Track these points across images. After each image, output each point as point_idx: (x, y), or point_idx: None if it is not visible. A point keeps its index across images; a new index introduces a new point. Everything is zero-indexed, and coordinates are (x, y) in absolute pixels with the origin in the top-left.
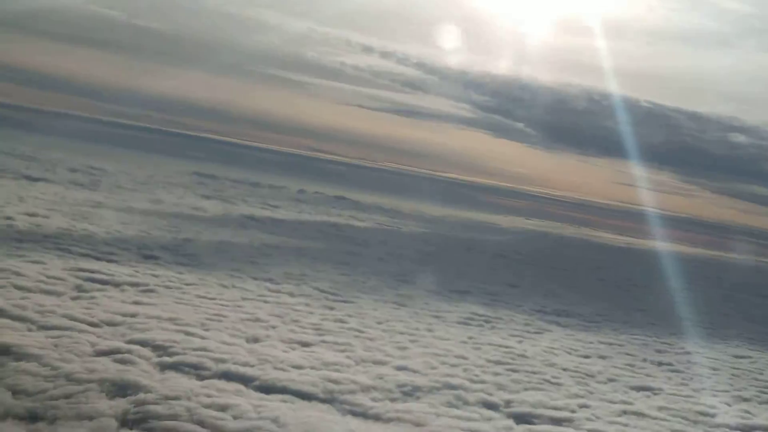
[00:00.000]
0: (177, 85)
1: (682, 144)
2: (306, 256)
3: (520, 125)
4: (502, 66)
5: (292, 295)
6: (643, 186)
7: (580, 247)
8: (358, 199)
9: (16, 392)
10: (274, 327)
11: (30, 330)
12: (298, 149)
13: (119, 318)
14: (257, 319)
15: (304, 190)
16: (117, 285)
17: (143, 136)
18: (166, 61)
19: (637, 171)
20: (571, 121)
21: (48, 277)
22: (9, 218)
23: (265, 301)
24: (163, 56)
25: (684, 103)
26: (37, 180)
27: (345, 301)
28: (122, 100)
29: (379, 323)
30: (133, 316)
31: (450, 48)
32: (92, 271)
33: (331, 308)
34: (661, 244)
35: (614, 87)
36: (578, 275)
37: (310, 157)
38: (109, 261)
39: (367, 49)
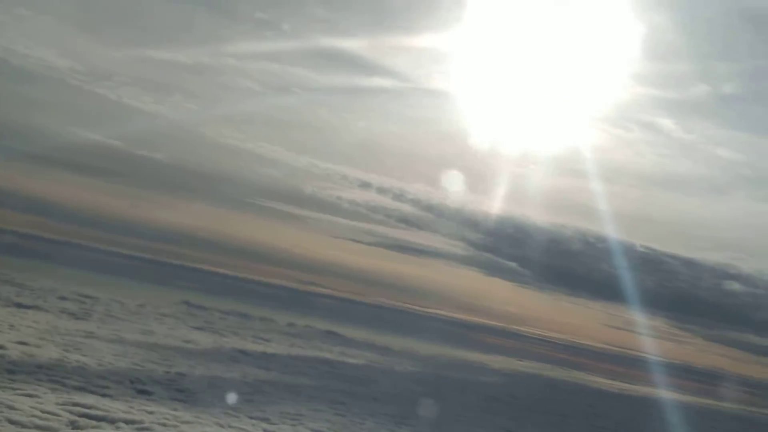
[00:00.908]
0: (172, 214)
1: (677, 290)
2: (301, 395)
3: (513, 264)
4: (497, 205)
5: None
6: (635, 331)
7: (573, 392)
8: (349, 334)
9: None
10: None
11: None
12: (288, 282)
13: None
14: None
15: (294, 324)
16: (112, 422)
17: (135, 265)
18: (163, 191)
19: (630, 315)
20: (565, 263)
21: (42, 411)
22: (1, 347)
23: None
24: (161, 186)
25: (678, 249)
26: (28, 308)
27: None
28: (116, 228)
29: None
30: None
31: (446, 186)
32: (87, 407)
33: None
34: (654, 390)
35: (609, 230)
36: (573, 421)
37: (301, 291)
38: (103, 395)
39: (365, 185)
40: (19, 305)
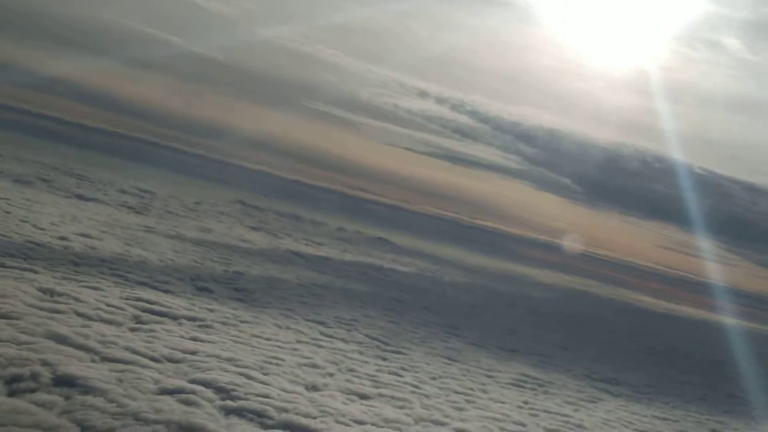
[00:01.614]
0: (228, 114)
1: (732, 213)
2: (354, 300)
3: (567, 181)
4: (555, 120)
5: (345, 341)
6: (686, 252)
7: (621, 310)
8: (399, 241)
9: (84, 428)
10: (331, 375)
11: (93, 361)
12: (340, 186)
13: (179, 354)
14: (314, 365)
15: (345, 228)
16: (175, 318)
17: (191, 162)
18: (220, 91)
19: (682, 236)
20: (620, 181)
21: (107, 305)
22: (64, 238)
23: (320, 346)
24: (218, 85)
25: (738, 172)
26: (88, 200)
27: (397, 352)
28: (172, 124)
29: (434, 379)
30: (193, 353)
31: (506, 99)
32: (150, 302)
33: (384, 359)
34: (702, 312)
35: (668, 150)
36: (623, 340)
37: (352, 196)
38: (165, 291)
39: (423, 94)
40: (80, 197)
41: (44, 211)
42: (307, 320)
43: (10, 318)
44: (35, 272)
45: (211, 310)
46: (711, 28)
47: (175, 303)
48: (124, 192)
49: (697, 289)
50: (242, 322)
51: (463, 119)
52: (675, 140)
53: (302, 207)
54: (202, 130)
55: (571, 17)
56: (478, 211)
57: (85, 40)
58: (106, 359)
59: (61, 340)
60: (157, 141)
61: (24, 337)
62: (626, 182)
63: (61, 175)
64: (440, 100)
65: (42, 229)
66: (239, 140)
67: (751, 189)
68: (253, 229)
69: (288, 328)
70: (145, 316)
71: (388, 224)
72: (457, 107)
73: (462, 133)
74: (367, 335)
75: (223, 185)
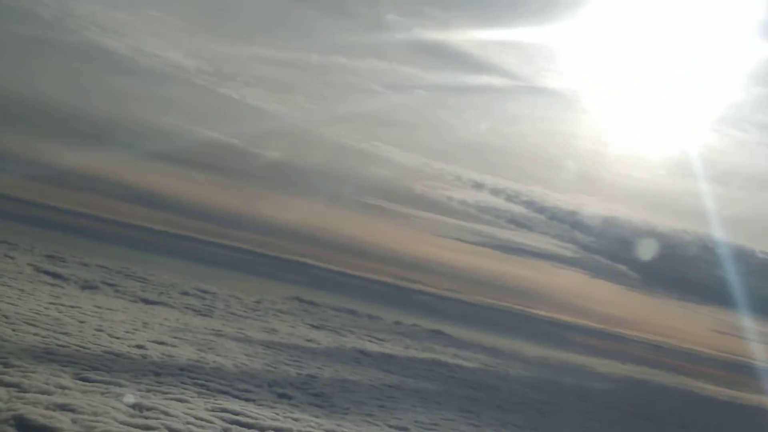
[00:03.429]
0: (284, 211)
1: None
2: (428, 401)
3: (623, 268)
4: (611, 208)
5: None
6: (745, 337)
7: (687, 400)
8: (456, 334)
9: None
10: None
11: None
12: (391, 278)
13: None
14: None
15: (401, 322)
16: (262, 430)
17: (245, 258)
18: (276, 188)
19: (741, 322)
20: (678, 267)
21: (196, 418)
22: (141, 347)
23: None
24: (274, 183)
25: None
26: (154, 303)
27: None
28: (225, 221)
29: None
30: None
31: (562, 188)
32: (235, 413)
33: None
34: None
35: (723, 234)
36: None
37: (404, 288)
38: (247, 400)
39: (478, 186)
40: (146, 300)
41: (116, 319)
42: (390, 426)
43: None
44: (120, 386)
45: (295, 420)
46: (759, 109)
47: (260, 413)
48: (186, 294)
49: (759, 375)
50: (327, 431)
51: (518, 209)
52: (729, 223)
53: (357, 300)
54: (256, 227)
55: (617, 103)
56: (532, 300)
57: (138, 141)
58: None
59: None
60: (210, 239)
61: None
62: (682, 268)
63: (124, 278)
64: (495, 192)
65: (118, 338)
66: (291, 235)
67: None
68: (315, 327)
69: None
70: (234, 428)
71: (443, 316)
72: (512, 198)
73: (516, 223)
74: None
75: (279, 281)
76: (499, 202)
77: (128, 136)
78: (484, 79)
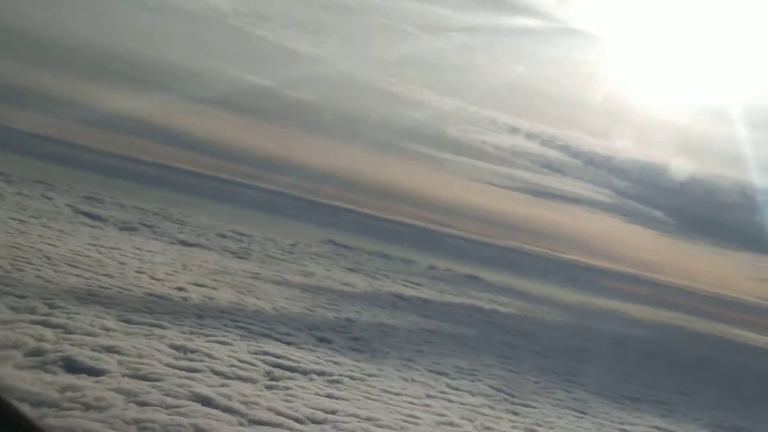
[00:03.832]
0: (318, 154)
1: None
2: (467, 346)
3: (659, 213)
4: (649, 153)
5: (472, 394)
6: None
7: (726, 348)
8: (491, 279)
9: None
10: None
11: (242, 425)
12: (425, 223)
13: (321, 414)
14: (451, 423)
15: (435, 266)
16: (305, 373)
17: (279, 201)
18: (311, 131)
19: None
20: (714, 213)
21: (239, 360)
22: (181, 289)
23: (450, 401)
24: (310, 126)
25: None
26: (192, 245)
27: (526, 405)
28: (259, 163)
29: None
30: (333, 412)
31: (599, 133)
32: (277, 356)
33: (516, 413)
34: None
35: (766, 182)
36: (741, 382)
37: (437, 232)
38: (288, 343)
39: (513, 130)
40: (184, 243)
41: (156, 261)
42: (430, 371)
43: (153, 380)
44: (163, 328)
45: (336, 363)
46: None
47: (301, 356)
48: (223, 236)
49: None
50: (369, 375)
51: (553, 154)
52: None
53: (390, 244)
54: (291, 170)
55: (656, 47)
56: (566, 245)
57: (176, 82)
58: (253, 422)
59: (207, 402)
60: (247, 182)
61: (171, 401)
62: (719, 214)
63: (162, 220)
64: (530, 136)
65: (159, 279)
66: (326, 178)
67: None
68: (350, 270)
69: (414, 381)
70: (277, 371)
71: (477, 261)
72: (547, 142)
73: (551, 167)
74: (491, 386)
75: (313, 224)
76: (533, 147)
77: (163, 77)
78: (519, 21)
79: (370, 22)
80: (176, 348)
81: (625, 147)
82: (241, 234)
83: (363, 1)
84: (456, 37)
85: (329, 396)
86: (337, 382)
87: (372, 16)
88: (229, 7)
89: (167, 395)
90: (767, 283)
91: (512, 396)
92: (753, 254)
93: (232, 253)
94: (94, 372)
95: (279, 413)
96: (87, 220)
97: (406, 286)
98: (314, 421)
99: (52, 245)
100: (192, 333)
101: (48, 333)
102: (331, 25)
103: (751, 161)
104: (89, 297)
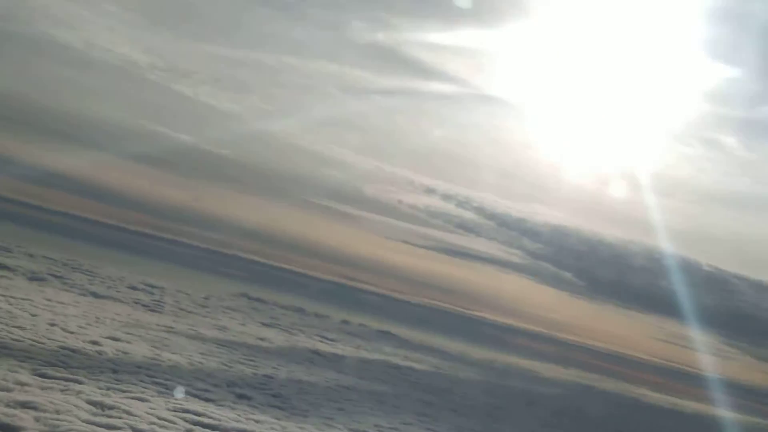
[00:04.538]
0: (233, 208)
1: (735, 309)
2: (385, 404)
3: (568, 275)
4: (560, 216)
5: None
6: (684, 345)
7: (631, 407)
8: (404, 335)
9: None
10: None
11: None
12: (339, 278)
13: None
14: None
15: (349, 321)
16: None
17: (194, 254)
18: (227, 187)
19: (680, 330)
20: (623, 276)
21: (159, 418)
22: (96, 343)
23: None
24: (226, 182)
25: (745, 269)
26: (103, 297)
27: None
28: (174, 217)
29: None
30: None
31: (513, 196)
32: (197, 413)
33: None
34: (705, 407)
35: (672, 247)
36: None
37: (350, 287)
38: (207, 400)
39: (430, 191)
40: (95, 294)
41: (68, 312)
42: (351, 430)
43: None
44: (80, 383)
45: (257, 422)
46: (707, 126)
47: (221, 414)
48: (135, 288)
49: (697, 383)
50: None
51: (468, 215)
52: (674, 235)
53: (304, 299)
54: (205, 223)
55: (568, 113)
56: (477, 303)
57: (89, 134)
58: None
59: None
60: (159, 234)
61: None
62: (626, 277)
63: (72, 271)
64: (446, 197)
65: (72, 332)
66: (240, 232)
67: (760, 286)
68: (265, 325)
69: None
70: (197, 429)
71: (390, 316)
72: (463, 204)
73: (465, 228)
74: None
75: (227, 277)
76: (449, 208)
77: (77, 129)
78: (436, 86)
79: (290, 81)
80: (94, 404)
81: (537, 210)
82: (153, 286)
83: (284, 60)
84: (376, 100)
85: None
86: None
87: (292, 76)
88: (147, 61)
89: None
90: (669, 344)
91: None
92: (656, 316)
93: (145, 305)
94: (9, 429)
95: None
96: None
97: (321, 341)
98: None
99: None
100: (109, 389)
101: None
102: (251, 83)
103: (656, 227)
104: (2, 350)
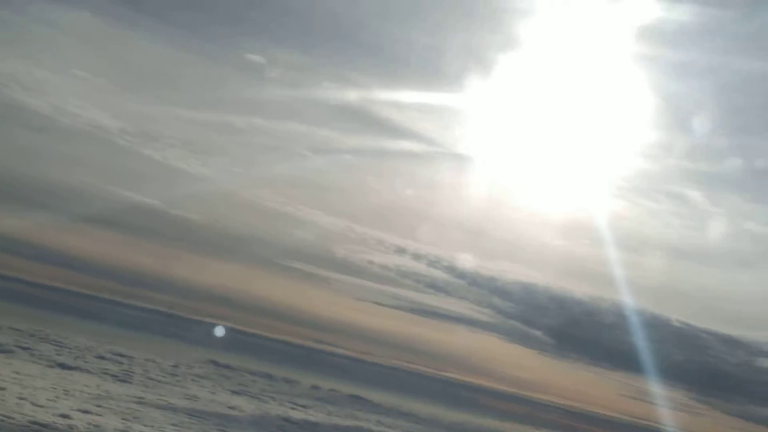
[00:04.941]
0: (200, 272)
1: (705, 365)
2: None
3: (538, 333)
4: (530, 275)
5: None
6: (650, 401)
7: None
8: (376, 399)
9: None
10: None
11: None
12: (308, 341)
13: None
14: None
15: (319, 387)
16: None
17: (160, 320)
18: (195, 250)
19: (649, 387)
20: (592, 333)
21: None
22: (66, 416)
23: None
24: (194, 245)
25: (714, 324)
26: (71, 368)
27: None
28: (139, 283)
29: None
30: None
31: (483, 254)
32: None
33: None
34: None
35: (644, 303)
36: None
37: (320, 350)
38: None
39: (400, 250)
40: (63, 365)
41: (37, 385)
42: None
43: None
44: None
45: None
46: (672, 180)
47: None
48: (103, 358)
49: None
50: None
51: (439, 274)
52: (646, 292)
53: (273, 364)
54: (171, 289)
55: (535, 170)
56: (448, 363)
57: (54, 200)
58: None
59: None
60: (126, 301)
61: None
62: (599, 335)
63: (39, 342)
64: (417, 256)
65: (41, 406)
66: (208, 297)
67: (730, 341)
68: (235, 393)
69: None
70: None
71: (360, 380)
72: (433, 263)
73: (436, 287)
74: None
75: (194, 344)
76: (420, 267)
77: (45, 196)
78: (405, 145)
79: (259, 143)
80: None
81: (507, 268)
82: (121, 355)
83: (251, 122)
84: (344, 159)
85: None
86: None
87: (260, 137)
88: (117, 126)
89: None
90: (639, 402)
91: None
92: (626, 373)
93: (113, 376)
94: None
95: None
96: None
97: (293, 408)
98: None
99: None
100: None
101: None
102: (220, 145)
103: (627, 284)
104: None
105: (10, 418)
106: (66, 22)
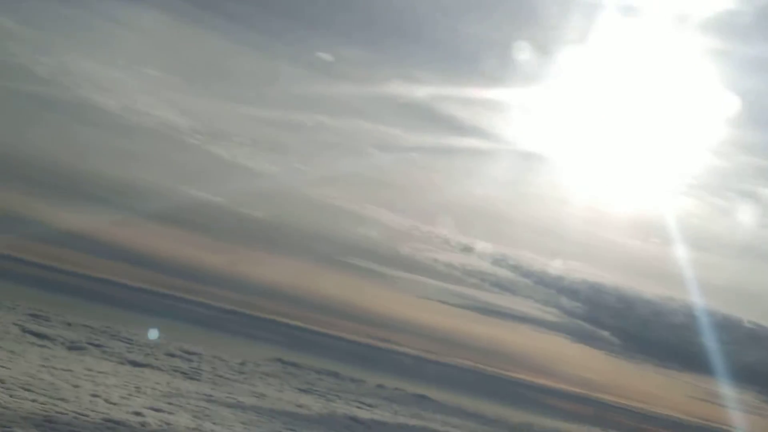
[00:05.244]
0: (267, 270)
1: None
2: None
3: (606, 333)
4: (598, 274)
5: None
6: (719, 403)
7: None
8: (440, 399)
9: None
10: None
11: None
12: (374, 340)
13: None
14: None
15: (384, 386)
16: None
17: (227, 318)
18: (262, 248)
19: (719, 388)
20: (661, 334)
21: None
22: (138, 414)
23: None
24: (261, 243)
25: None
26: (142, 365)
27: None
28: (208, 280)
29: None
30: None
31: (550, 253)
32: None
33: None
34: None
35: (714, 304)
36: None
37: (386, 349)
38: None
39: (466, 249)
40: (134, 363)
41: (109, 383)
42: None
43: None
44: None
45: None
46: (743, 178)
47: None
48: (172, 355)
49: None
50: None
51: (505, 273)
52: (716, 292)
53: (338, 362)
54: (239, 287)
55: (603, 167)
56: (513, 363)
57: (125, 199)
58: None
59: None
60: (194, 299)
61: None
62: (669, 336)
63: (110, 339)
64: (482, 256)
65: (114, 404)
66: (274, 295)
67: None
68: (303, 391)
69: None
70: None
71: (425, 379)
72: (499, 261)
73: (501, 286)
74: None
75: (261, 341)
76: (485, 266)
77: (116, 194)
78: (470, 142)
79: (325, 140)
80: None
81: (574, 267)
82: (190, 353)
83: (318, 119)
84: (410, 157)
85: None
86: None
87: (326, 135)
88: (187, 124)
89: None
90: (707, 404)
91: None
92: (695, 375)
93: (183, 373)
94: None
95: None
96: (35, 340)
97: (359, 407)
98: None
99: (4, 367)
100: None
101: None
102: (286, 143)
103: (697, 284)
104: (47, 423)
105: (84, 415)
106: (136, 21)
